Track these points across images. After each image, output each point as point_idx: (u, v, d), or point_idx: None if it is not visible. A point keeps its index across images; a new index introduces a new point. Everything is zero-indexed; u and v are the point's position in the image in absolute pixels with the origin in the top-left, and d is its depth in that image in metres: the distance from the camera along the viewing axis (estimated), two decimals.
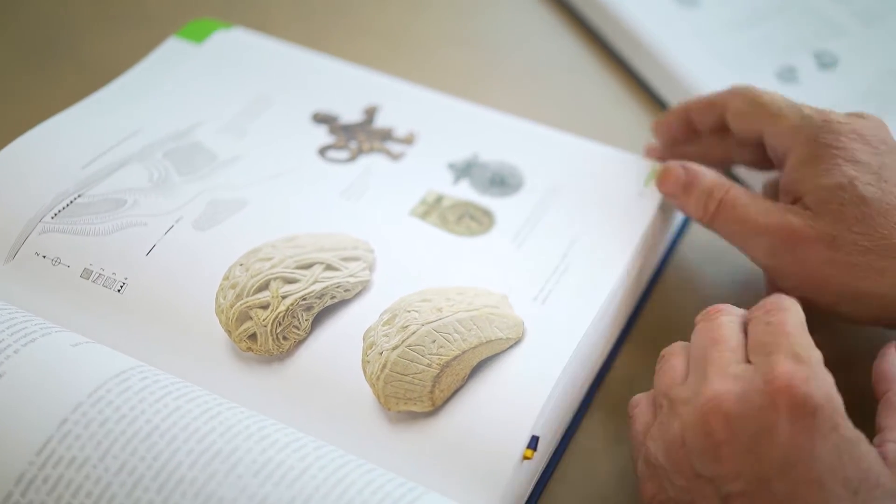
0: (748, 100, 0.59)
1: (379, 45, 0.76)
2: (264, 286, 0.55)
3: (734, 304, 0.51)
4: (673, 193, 0.60)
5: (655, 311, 0.61)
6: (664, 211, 0.62)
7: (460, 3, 0.82)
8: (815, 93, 0.70)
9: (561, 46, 0.78)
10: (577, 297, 0.57)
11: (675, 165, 0.60)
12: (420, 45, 0.77)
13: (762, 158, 0.60)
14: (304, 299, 0.55)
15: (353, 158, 0.64)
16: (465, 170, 0.64)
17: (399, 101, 0.68)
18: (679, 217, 0.64)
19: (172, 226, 0.58)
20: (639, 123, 0.71)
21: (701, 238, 0.64)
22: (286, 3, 0.80)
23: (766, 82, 0.68)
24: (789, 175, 0.56)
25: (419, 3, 0.81)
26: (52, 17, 0.77)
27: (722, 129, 0.61)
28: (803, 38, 0.75)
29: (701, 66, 0.72)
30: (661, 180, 0.60)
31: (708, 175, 0.58)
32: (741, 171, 0.67)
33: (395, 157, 0.64)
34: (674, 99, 0.71)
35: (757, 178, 0.66)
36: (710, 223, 0.58)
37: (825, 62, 0.74)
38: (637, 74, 0.75)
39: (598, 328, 0.56)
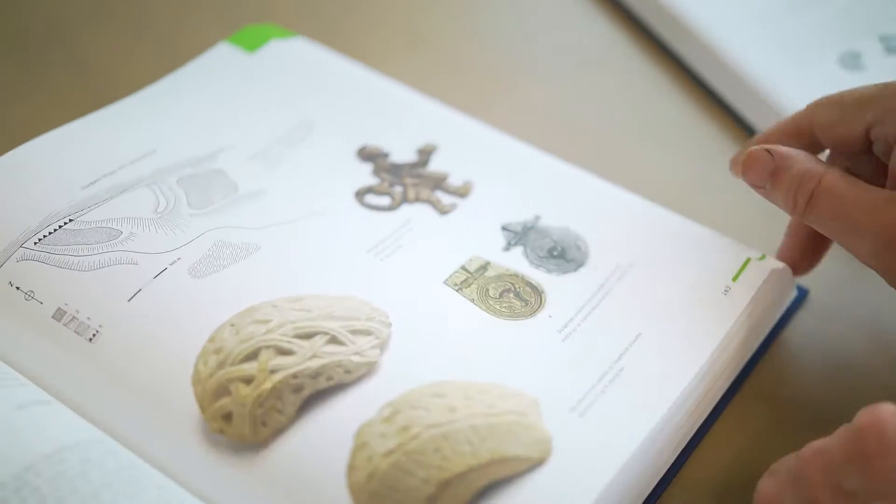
0: (834, 103, 0.50)
1: (400, 42, 0.67)
2: (252, 355, 0.47)
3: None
4: (758, 184, 0.50)
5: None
6: (762, 307, 0.51)
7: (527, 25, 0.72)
8: (882, 80, 0.60)
9: (606, 38, 0.68)
10: (624, 415, 0.47)
11: (760, 150, 0.50)
12: (479, 70, 0.68)
13: (866, 164, 0.51)
14: (296, 377, 0.46)
15: (394, 207, 0.55)
16: (521, 235, 0.54)
17: (460, 141, 0.59)
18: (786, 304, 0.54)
19: (166, 268, 0.50)
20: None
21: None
22: None
23: (827, 70, 0.64)
24: None
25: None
26: (56, 14, 0.70)
27: (814, 149, 0.51)
28: (868, 20, 0.68)
29: (756, 54, 0.65)
30: (746, 168, 0.50)
31: (799, 160, 0.49)
32: None
33: (444, 211, 0.55)
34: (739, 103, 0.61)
35: None
36: (802, 217, 0.49)
37: (893, 46, 0.66)
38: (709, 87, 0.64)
39: (641, 459, 0.46)
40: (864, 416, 0.40)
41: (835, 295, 0.55)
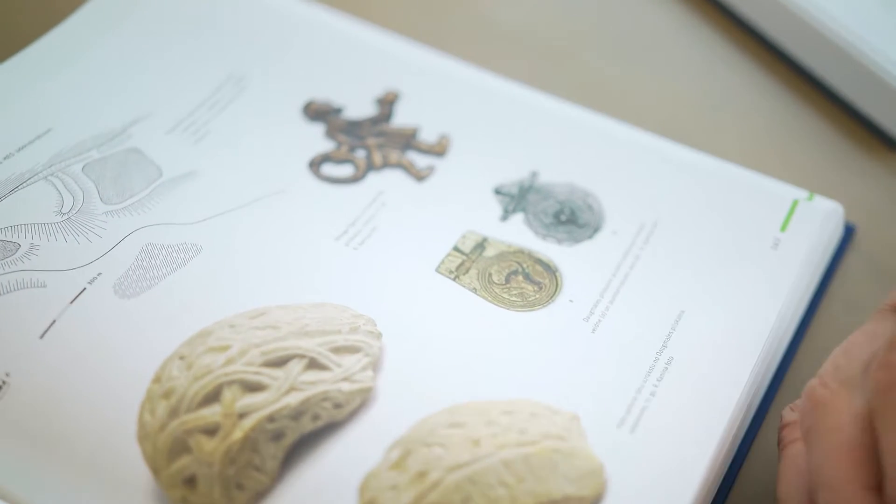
0: None
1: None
2: (213, 395, 0.37)
3: None
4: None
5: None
6: (817, 258, 0.43)
7: None
8: None
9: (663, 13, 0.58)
10: (685, 422, 0.38)
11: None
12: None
13: None
14: (273, 420, 0.36)
15: (359, 177, 0.45)
16: (518, 198, 0.44)
17: (427, 84, 0.48)
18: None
19: (84, 288, 0.39)
20: (786, 128, 0.51)
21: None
22: None
23: None
24: None
25: None
26: None
27: None
28: None
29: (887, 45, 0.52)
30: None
31: None
32: None
33: (420, 176, 0.45)
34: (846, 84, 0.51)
35: None
36: None
37: None
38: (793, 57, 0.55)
39: (715, 469, 0.37)
40: None
41: (883, 229, 0.47)
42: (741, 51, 0.53)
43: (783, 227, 0.43)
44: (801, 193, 0.44)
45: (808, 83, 0.51)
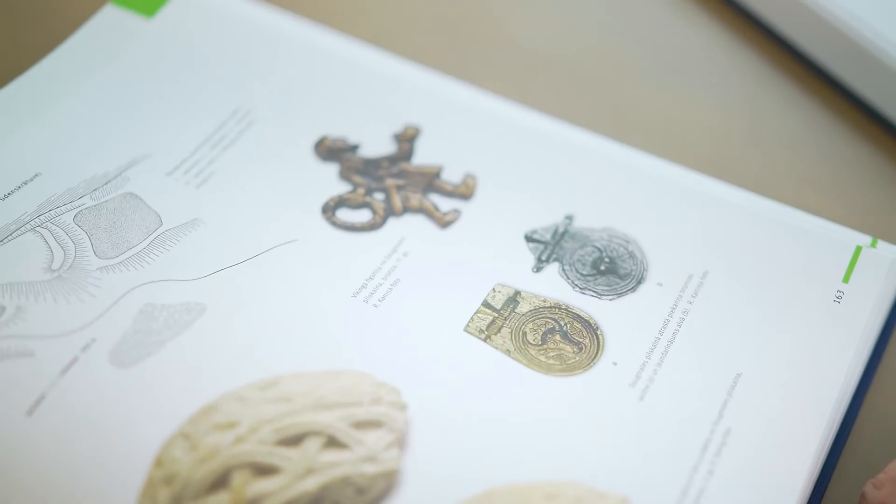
0: None
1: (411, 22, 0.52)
2: (220, 480, 0.33)
3: None
4: None
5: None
6: (885, 311, 0.39)
7: None
8: None
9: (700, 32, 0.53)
10: (750, 500, 0.34)
11: None
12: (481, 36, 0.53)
13: None
14: None
15: (378, 224, 0.41)
16: (553, 245, 0.40)
17: (451, 118, 0.44)
18: None
19: (77, 357, 0.35)
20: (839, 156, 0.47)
21: None
22: None
23: None
24: None
25: None
26: None
27: None
28: None
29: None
30: None
31: None
32: None
33: (445, 222, 0.41)
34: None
35: None
36: None
37: None
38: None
39: None
40: None
41: None
42: (793, 80, 0.49)
43: (846, 278, 0.39)
44: (864, 239, 0.40)
45: (867, 116, 0.47)
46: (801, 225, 0.41)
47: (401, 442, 0.34)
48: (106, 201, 0.40)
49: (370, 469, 0.33)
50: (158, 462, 0.33)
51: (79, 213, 0.39)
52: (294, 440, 0.34)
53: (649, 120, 0.47)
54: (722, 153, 0.46)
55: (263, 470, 0.33)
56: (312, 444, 0.34)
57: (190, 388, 0.35)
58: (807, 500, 0.35)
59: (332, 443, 0.34)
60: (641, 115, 0.47)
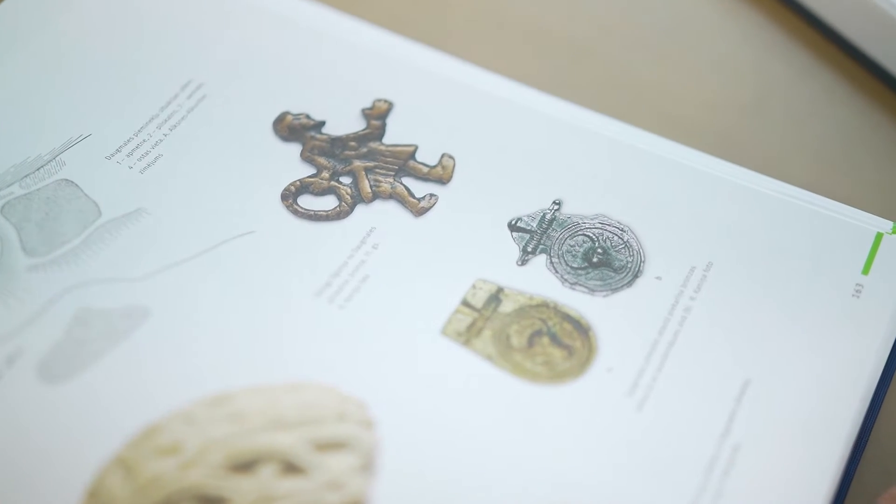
0: None
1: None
2: None
3: None
4: None
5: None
6: None
7: None
8: None
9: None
10: None
11: None
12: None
13: None
14: None
15: (345, 212, 0.36)
16: (539, 234, 0.36)
17: (426, 92, 0.40)
18: None
19: (0, 372, 0.31)
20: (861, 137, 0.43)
21: None
22: None
23: None
24: None
25: None
26: None
27: None
28: None
29: None
30: None
31: None
32: None
33: (419, 210, 0.37)
34: None
35: None
36: None
37: None
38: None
39: None
40: None
41: None
42: (804, 46, 0.44)
43: (866, 269, 0.35)
44: (885, 224, 0.36)
45: (888, 87, 0.43)
46: (814, 209, 0.37)
47: (368, 465, 0.30)
48: (37, 189, 0.35)
49: (333, 499, 0.29)
50: (92, 494, 0.29)
51: (6, 203, 0.35)
52: (247, 465, 0.30)
53: (646, 93, 0.43)
54: (726, 130, 0.41)
55: (211, 501, 0.29)
56: (267, 471, 0.30)
57: (130, 406, 0.31)
58: None
59: (290, 468, 0.30)
60: (637, 87, 0.43)
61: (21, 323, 0.32)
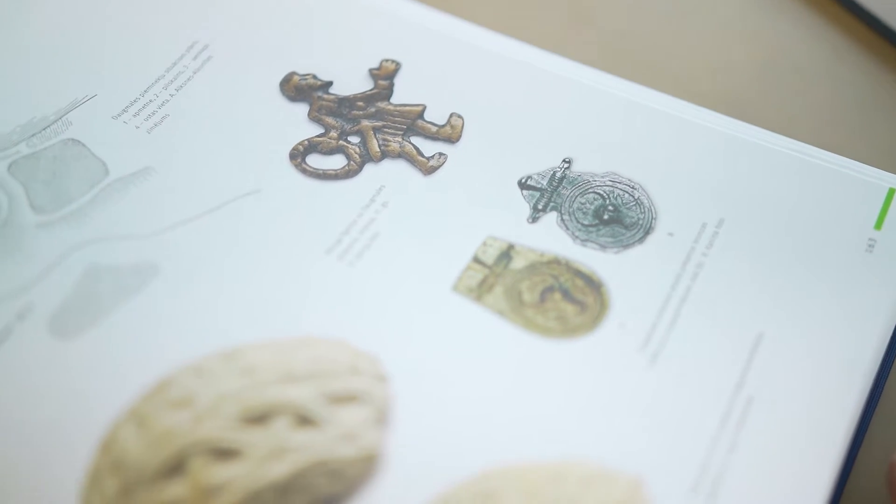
0: None
1: None
2: (176, 465, 0.29)
3: None
4: None
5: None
6: None
7: None
8: None
9: None
10: (775, 486, 0.30)
11: None
12: None
13: None
14: (257, 499, 0.28)
15: (354, 171, 0.36)
16: (549, 192, 0.36)
17: (434, 51, 0.40)
18: None
19: (11, 327, 0.31)
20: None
21: None
22: None
23: None
24: None
25: None
26: None
27: None
28: None
29: None
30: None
31: None
32: None
33: (429, 168, 0.37)
34: None
35: None
36: None
37: None
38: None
39: None
40: None
41: None
42: (809, 7, 0.44)
43: (878, 224, 0.35)
44: None
45: (893, 47, 0.43)
46: (826, 166, 0.37)
47: (382, 419, 0.30)
48: (44, 149, 0.35)
49: (347, 450, 0.29)
50: (105, 447, 0.29)
51: (13, 162, 0.35)
52: (260, 418, 0.30)
53: (655, 52, 0.42)
54: (736, 89, 0.41)
55: (224, 453, 0.29)
56: (280, 423, 0.30)
57: (141, 360, 0.31)
58: (839, 472, 0.31)
59: (304, 421, 0.30)
60: (646, 46, 0.43)
61: (31, 279, 0.32)
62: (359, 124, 0.37)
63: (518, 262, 0.34)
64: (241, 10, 0.40)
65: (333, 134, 0.37)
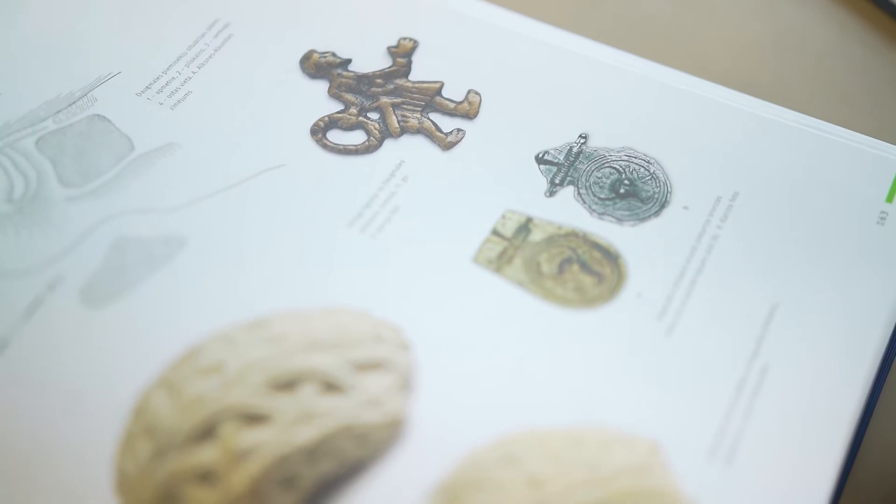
0: None
1: None
2: (207, 430, 0.29)
3: None
4: None
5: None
6: None
7: None
8: None
9: None
10: (791, 449, 0.31)
11: None
12: None
13: None
14: (285, 461, 0.29)
15: (374, 146, 0.37)
16: (566, 167, 0.37)
17: (452, 29, 0.40)
18: None
19: (42, 298, 0.32)
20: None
21: None
22: None
23: None
24: None
25: None
26: None
27: None
28: None
29: None
30: None
31: None
32: None
33: (447, 144, 0.37)
34: None
35: None
36: None
37: None
38: None
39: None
40: None
41: None
42: None
43: (889, 197, 0.36)
44: None
45: None
46: (838, 140, 0.37)
47: (406, 385, 0.31)
48: (71, 124, 0.36)
49: (373, 415, 0.30)
50: (138, 412, 0.30)
51: (41, 137, 0.35)
52: (287, 385, 0.30)
53: (669, 29, 0.43)
54: (747, 65, 0.42)
55: (254, 418, 0.30)
56: (308, 389, 0.30)
57: (170, 329, 0.31)
58: (853, 435, 0.32)
59: (330, 387, 0.30)
60: (660, 24, 0.43)
61: (61, 251, 0.33)
62: (378, 101, 0.38)
63: (536, 235, 0.35)
64: None
65: (353, 110, 0.37)
